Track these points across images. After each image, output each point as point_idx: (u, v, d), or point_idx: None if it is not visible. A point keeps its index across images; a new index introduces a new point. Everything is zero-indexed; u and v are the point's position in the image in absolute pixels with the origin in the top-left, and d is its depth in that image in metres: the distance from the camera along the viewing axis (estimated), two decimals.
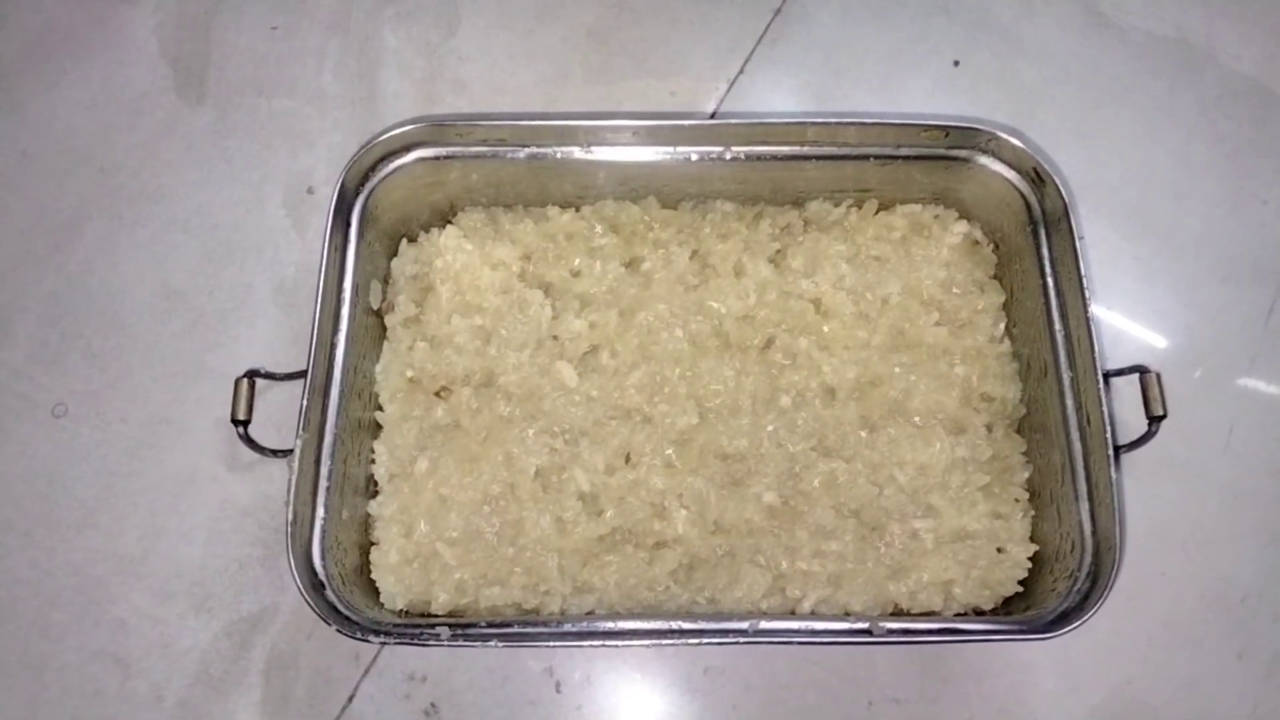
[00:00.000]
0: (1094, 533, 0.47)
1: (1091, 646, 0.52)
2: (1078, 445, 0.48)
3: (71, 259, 0.59)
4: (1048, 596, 0.47)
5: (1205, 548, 0.53)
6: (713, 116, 0.61)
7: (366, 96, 0.62)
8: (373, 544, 0.50)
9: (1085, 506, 0.47)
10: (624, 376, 0.51)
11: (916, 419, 0.51)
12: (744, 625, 0.44)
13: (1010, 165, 0.51)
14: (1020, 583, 0.49)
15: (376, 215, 0.52)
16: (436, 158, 0.52)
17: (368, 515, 0.51)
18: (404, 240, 0.55)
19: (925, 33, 0.63)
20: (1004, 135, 0.50)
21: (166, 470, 0.55)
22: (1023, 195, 0.51)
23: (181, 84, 0.62)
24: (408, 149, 0.51)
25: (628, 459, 0.51)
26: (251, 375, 0.50)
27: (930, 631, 0.45)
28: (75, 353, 0.58)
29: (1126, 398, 0.53)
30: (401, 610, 0.49)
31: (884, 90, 0.62)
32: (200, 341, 0.58)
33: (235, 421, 0.49)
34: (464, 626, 0.45)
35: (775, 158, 0.52)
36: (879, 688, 0.52)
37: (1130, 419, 0.52)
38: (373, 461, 0.52)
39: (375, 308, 0.52)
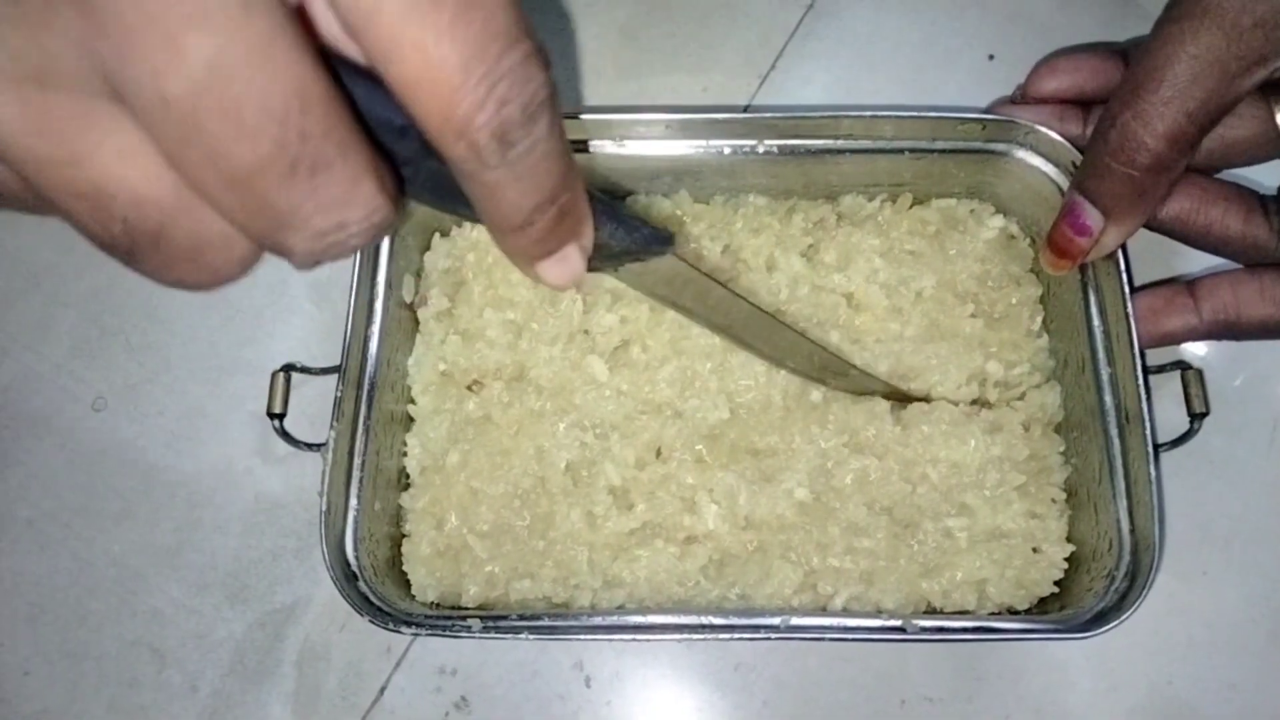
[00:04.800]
0: (1132, 532, 0.46)
1: (1130, 646, 0.51)
2: (1116, 443, 0.47)
3: None
4: (1084, 596, 0.46)
5: (1249, 547, 0.52)
6: (745, 111, 0.61)
7: None
8: (404, 536, 0.51)
9: (1124, 505, 0.46)
10: (655, 371, 0.51)
11: (949, 416, 0.51)
12: (775, 621, 0.44)
13: (1048, 159, 0.51)
14: (1056, 583, 0.49)
15: (409, 210, 0.52)
16: None
17: (399, 507, 0.51)
18: (437, 235, 0.55)
19: (959, 27, 0.62)
20: (1042, 128, 0.49)
21: (202, 463, 0.56)
22: (1060, 189, 0.50)
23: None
24: None
25: (658, 454, 0.51)
26: (287, 369, 0.51)
27: (965, 630, 0.45)
28: (115, 347, 0.59)
29: (1166, 395, 0.52)
30: (433, 603, 0.49)
31: (917, 85, 0.61)
32: (236, 336, 0.58)
33: (271, 415, 0.50)
34: (495, 619, 0.45)
35: (808, 151, 0.51)
36: (912, 686, 0.51)
37: (1170, 417, 0.51)
38: (405, 454, 0.52)
39: (408, 301, 0.53)
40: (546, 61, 0.22)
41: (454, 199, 0.25)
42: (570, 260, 0.27)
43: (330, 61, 0.21)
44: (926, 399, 0.52)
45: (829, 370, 0.50)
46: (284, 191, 0.20)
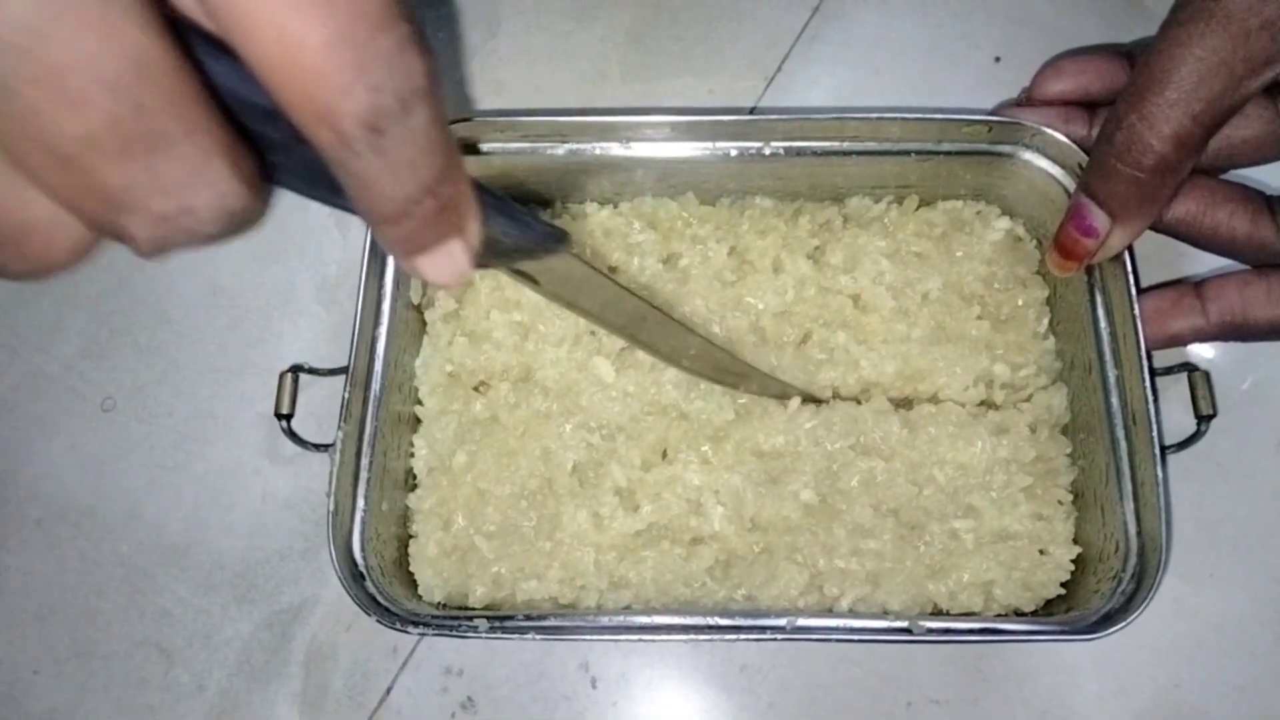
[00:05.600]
0: (1139, 533, 0.46)
1: (1137, 649, 0.51)
2: (1123, 444, 0.47)
3: (121, 257, 0.60)
4: (1091, 598, 0.46)
5: (1256, 550, 0.52)
6: (751, 114, 0.61)
7: None
8: (411, 537, 0.51)
9: (1130, 507, 0.46)
10: (660, 372, 0.51)
11: (956, 418, 0.51)
12: (781, 622, 0.44)
13: (1054, 160, 0.51)
14: (1062, 585, 0.49)
15: None
16: (478, 154, 0.52)
17: (406, 508, 0.51)
18: None
19: (965, 29, 0.62)
20: (1048, 130, 0.49)
21: (210, 463, 0.56)
22: (1067, 191, 0.50)
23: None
24: None
25: (664, 455, 0.51)
26: (295, 370, 0.51)
27: (971, 631, 0.45)
28: (124, 348, 0.59)
29: (1173, 398, 0.52)
30: (439, 603, 0.50)
31: (924, 87, 0.61)
32: (244, 338, 0.59)
33: (279, 415, 0.50)
34: (501, 619, 0.45)
35: (815, 153, 0.52)
36: (918, 688, 0.51)
37: (1178, 419, 0.51)
38: (412, 455, 0.52)
39: (415, 303, 0.53)
40: (426, 48, 0.21)
41: (330, 189, 0.23)
42: (453, 256, 0.26)
43: (186, 34, 0.19)
44: (818, 400, 0.52)
45: (730, 372, 0.50)
46: (117, 170, 0.19)
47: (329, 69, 0.19)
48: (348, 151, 0.20)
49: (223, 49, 0.20)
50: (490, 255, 0.30)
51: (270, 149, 0.22)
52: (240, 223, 0.21)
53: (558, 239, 0.33)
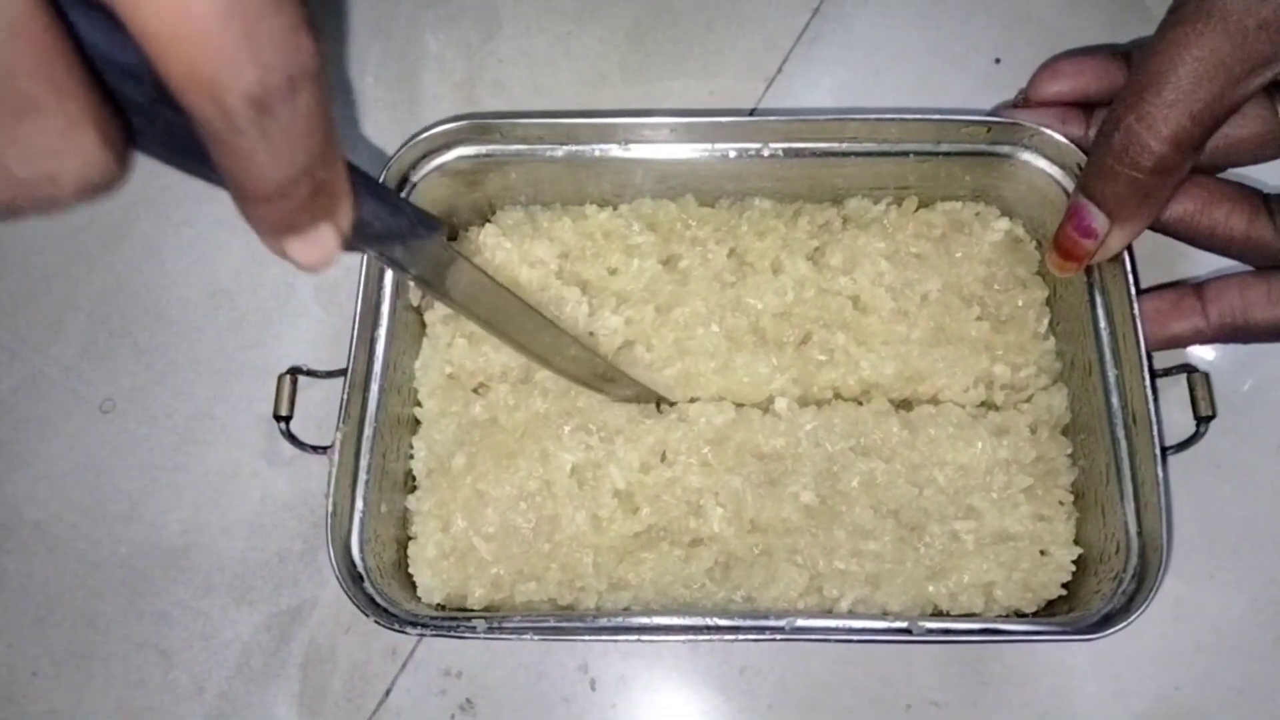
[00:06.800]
0: (1140, 534, 0.46)
1: (1137, 651, 0.51)
2: (1123, 445, 0.47)
3: (120, 259, 0.61)
4: (1092, 599, 0.46)
5: (1257, 551, 0.52)
6: (751, 115, 0.61)
7: (408, 99, 0.63)
8: (410, 539, 0.51)
9: (1131, 507, 0.46)
10: (658, 372, 0.51)
11: (956, 419, 0.51)
12: (781, 622, 0.44)
13: (1053, 161, 0.51)
14: (1063, 586, 0.48)
15: None
16: (476, 156, 0.52)
17: (405, 510, 0.51)
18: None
19: (965, 30, 0.62)
20: (1047, 130, 0.49)
21: (209, 465, 0.56)
22: (1066, 191, 0.50)
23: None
24: (449, 147, 0.52)
25: (663, 457, 0.51)
26: (294, 372, 0.51)
27: (971, 631, 0.44)
28: (123, 350, 0.59)
29: (1173, 399, 0.52)
30: (438, 605, 0.49)
31: (924, 88, 0.61)
32: (243, 339, 0.59)
33: (277, 417, 0.50)
34: (500, 620, 0.45)
35: (814, 154, 0.51)
36: (917, 690, 0.51)
37: (1178, 421, 0.51)
38: (411, 457, 0.52)
39: (415, 305, 0.53)
40: (316, 31, 0.21)
41: (194, 157, 0.22)
42: (323, 240, 0.25)
43: None
44: (671, 403, 0.52)
45: (604, 378, 0.50)
46: None
47: (220, 42, 0.18)
48: (229, 127, 0.20)
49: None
50: (360, 239, 0.29)
51: (132, 110, 0.21)
52: (100, 191, 0.21)
53: (430, 225, 0.33)
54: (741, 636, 0.44)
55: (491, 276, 0.41)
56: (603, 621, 0.45)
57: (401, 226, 0.31)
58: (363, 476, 0.48)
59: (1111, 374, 0.48)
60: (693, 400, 0.52)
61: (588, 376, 0.49)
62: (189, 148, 0.22)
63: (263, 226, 0.24)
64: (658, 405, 0.52)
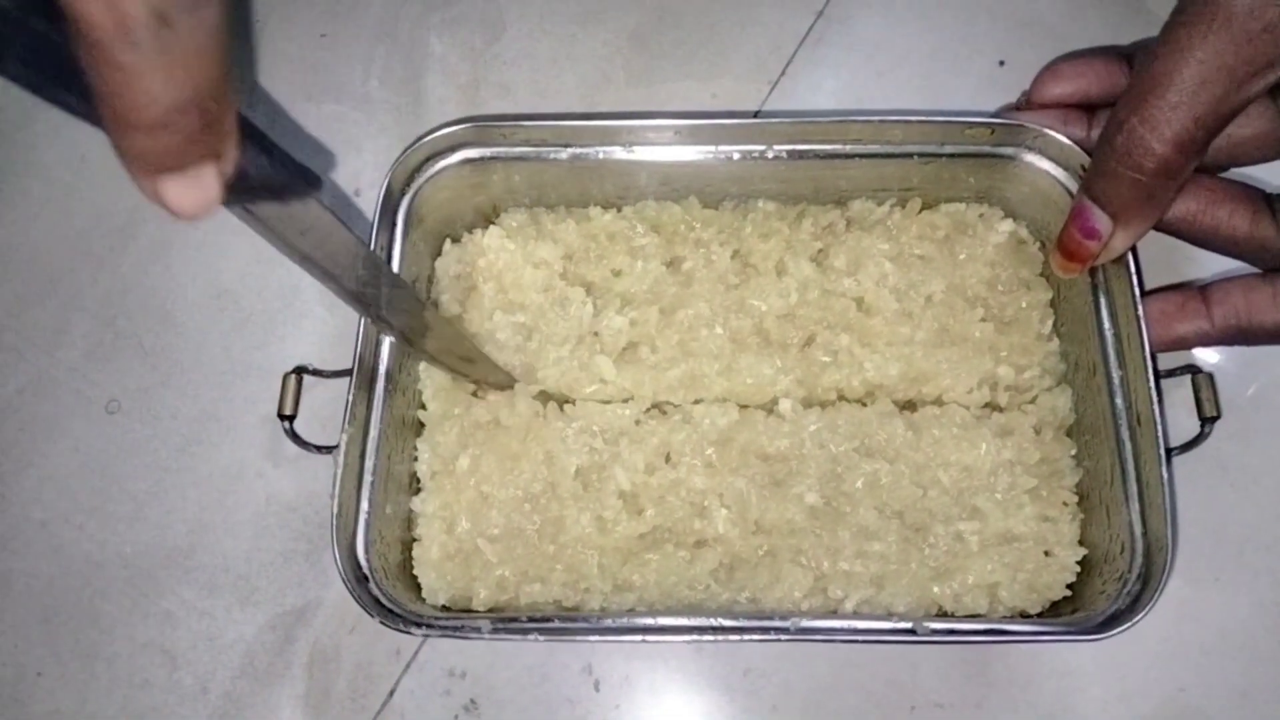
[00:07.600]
0: (1144, 534, 0.46)
1: (1142, 653, 0.51)
2: (1128, 446, 0.47)
3: (126, 260, 0.61)
4: (1096, 600, 0.46)
5: (1262, 553, 0.52)
6: (755, 117, 0.61)
7: (412, 101, 0.63)
8: (415, 540, 0.51)
9: (1135, 508, 0.46)
10: (663, 372, 0.51)
11: (960, 420, 0.51)
12: (785, 623, 0.44)
13: (1056, 162, 0.51)
14: (1068, 586, 0.48)
15: (421, 216, 0.53)
16: (481, 158, 0.52)
17: (410, 511, 0.51)
18: (448, 240, 0.55)
19: (969, 33, 0.62)
20: (1051, 132, 0.49)
21: (214, 465, 0.56)
22: (1070, 193, 0.50)
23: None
24: (453, 149, 0.52)
25: (668, 459, 0.51)
26: (299, 371, 0.51)
27: (976, 632, 0.44)
28: (129, 351, 0.59)
29: (1178, 400, 0.52)
30: (443, 606, 0.49)
31: (928, 91, 0.61)
32: (249, 340, 0.59)
33: (282, 416, 0.50)
34: (504, 620, 0.45)
35: (818, 156, 0.52)
36: (921, 692, 0.51)
37: (1182, 422, 0.51)
38: (415, 458, 0.52)
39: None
40: None
41: (57, 81, 0.20)
42: (204, 182, 0.23)
43: None
44: (572, 402, 0.52)
45: (466, 359, 0.50)
46: None
47: None
48: (121, 40, 0.18)
49: None
50: (237, 188, 0.27)
51: None
52: None
53: (310, 181, 0.31)
54: (746, 637, 0.44)
55: (364, 244, 0.40)
56: (607, 622, 0.45)
57: (281, 177, 0.29)
58: (368, 478, 0.48)
59: (1116, 375, 0.48)
60: (697, 402, 0.52)
61: (454, 361, 0.49)
62: (54, 68, 0.20)
63: (140, 163, 0.22)
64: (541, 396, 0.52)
